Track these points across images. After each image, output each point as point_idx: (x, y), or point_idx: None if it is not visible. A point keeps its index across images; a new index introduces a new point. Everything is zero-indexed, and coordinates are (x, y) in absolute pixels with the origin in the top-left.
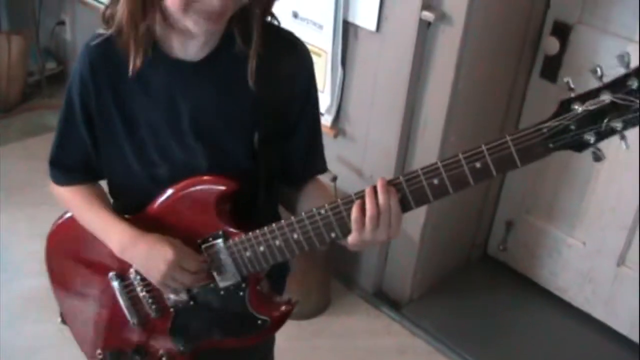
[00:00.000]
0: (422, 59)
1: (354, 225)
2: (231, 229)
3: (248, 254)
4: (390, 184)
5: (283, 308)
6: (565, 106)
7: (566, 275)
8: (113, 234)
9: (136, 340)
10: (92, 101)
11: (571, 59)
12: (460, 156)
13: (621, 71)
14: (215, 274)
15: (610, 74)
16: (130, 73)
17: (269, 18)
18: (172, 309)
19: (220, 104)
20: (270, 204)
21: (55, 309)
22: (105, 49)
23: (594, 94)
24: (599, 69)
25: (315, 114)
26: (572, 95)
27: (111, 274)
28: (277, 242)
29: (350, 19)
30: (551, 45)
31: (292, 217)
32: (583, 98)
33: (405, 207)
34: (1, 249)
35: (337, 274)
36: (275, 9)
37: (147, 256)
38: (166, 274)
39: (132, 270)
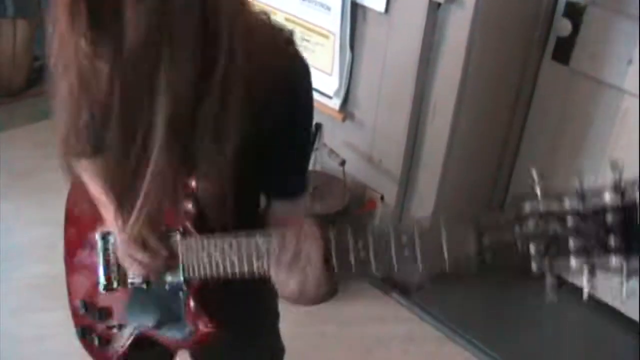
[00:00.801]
0: (431, 41)
1: (272, 257)
2: (190, 229)
3: (193, 258)
4: (320, 234)
5: (205, 328)
6: (519, 205)
7: None
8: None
9: (102, 302)
10: None
11: (584, 40)
12: (391, 229)
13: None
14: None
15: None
16: None
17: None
18: (130, 285)
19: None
20: (240, 213)
21: (60, 296)
22: None
23: (556, 200)
24: (578, 184)
25: (300, 137)
26: (536, 188)
27: (99, 232)
28: (217, 255)
29: (359, 0)
30: (563, 26)
31: (233, 235)
32: (542, 202)
33: (328, 266)
34: (6, 236)
35: None
36: None
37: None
38: (124, 250)
39: (112, 234)
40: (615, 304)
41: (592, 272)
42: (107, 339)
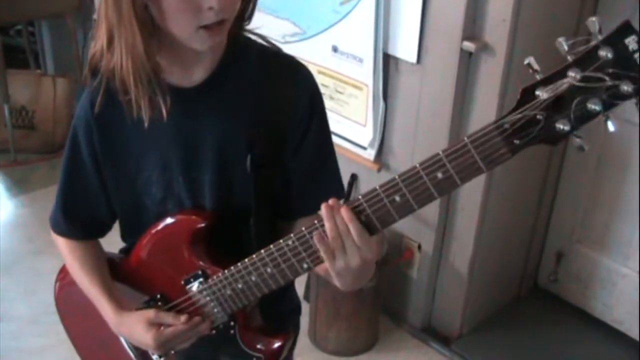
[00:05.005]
0: (464, 90)
1: (321, 251)
2: (209, 268)
3: (228, 291)
4: (351, 207)
5: (276, 344)
6: (528, 94)
7: (621, 306)
8: (100, 307)
9: None
10: (97, 143)
11: None
12: (419, 167)
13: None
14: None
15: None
16: (146, 124)
17: (266, 42)
18: (173, 352)
19: (222, 130)
20: (263, 238)
21: None
22: (107, 89)
23: (560, 74)
24: (563, 43)
25: (321, 146)
26: (537, 78)
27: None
28: (253, 278)
29: (391, 52)
30: None
31: (262, 251)
32: (548, 81)
33: (371, 229)
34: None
35: (385, 310)
36: (315, 43)
37: (134, 341)
38: (160, 352)
39: None
40: None
41: (607, 104)
42: None
